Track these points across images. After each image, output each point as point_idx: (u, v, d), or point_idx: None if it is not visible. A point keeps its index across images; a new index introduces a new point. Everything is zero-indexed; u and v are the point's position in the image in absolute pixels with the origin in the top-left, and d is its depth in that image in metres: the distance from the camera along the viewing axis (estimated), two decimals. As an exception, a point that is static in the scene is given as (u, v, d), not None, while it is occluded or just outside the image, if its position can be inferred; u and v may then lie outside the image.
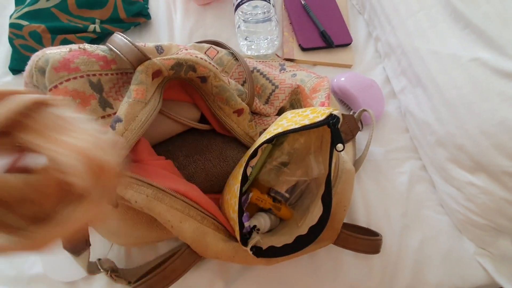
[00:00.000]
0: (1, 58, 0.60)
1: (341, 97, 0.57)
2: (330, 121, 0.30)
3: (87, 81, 0.30)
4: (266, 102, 0.50)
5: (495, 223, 0.44)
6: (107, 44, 0.32)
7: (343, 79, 0.57)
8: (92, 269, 0.39)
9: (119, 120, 0.29)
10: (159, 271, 0.30)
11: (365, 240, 0.36)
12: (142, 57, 0.31)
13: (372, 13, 0.64)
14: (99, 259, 0.41)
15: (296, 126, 0.30)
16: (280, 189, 0.39)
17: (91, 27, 0.56)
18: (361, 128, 0.50)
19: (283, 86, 0.49)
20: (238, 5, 0.59)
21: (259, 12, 0.60)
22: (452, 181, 0.47)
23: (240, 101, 0.42)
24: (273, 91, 0.49)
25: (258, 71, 0.50)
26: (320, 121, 0.30)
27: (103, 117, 0.30)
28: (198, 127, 0.44)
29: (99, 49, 0.32)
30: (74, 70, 0.29)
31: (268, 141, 0.32)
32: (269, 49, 0.63)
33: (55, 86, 0.28)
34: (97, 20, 0.57)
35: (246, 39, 0.61)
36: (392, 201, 0.49)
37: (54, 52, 0.29)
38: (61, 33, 0.55)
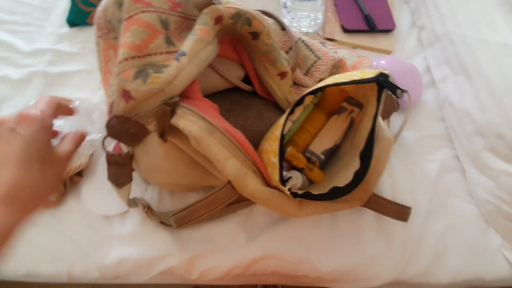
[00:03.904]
0: (60, 11, 0.65)
1: (379, 80, 0.57)
2: (380, 78, 0.31)
3: (158, 17, 0.32)
4: (306, 73, 0.51)
5: (528, 216, 0.43)
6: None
7: (383, 62, 0.57)
8: (131, 203, 0.42)
9: (183, 54, 0.31)
10: (202, 199, 0.32)
11: (395, 205, 0.36)
12: (208, 1, 0.33)
13: (420, 1, 0.63)
14: (135, 197, 0.44)
15: (346, 80, 0.32)
16: (316, 150, 0.40)
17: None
18: (397, 108, 0.51)
19: (326, 58, 0.50)
20: (287, -19, 0.60)
21: (306, -10, 0.61)
22: (487, 171, 0.46)
23: (286, 64, 0.44)
24: (315, 62, 0.50)
25: (302, 41, 0.51)
26: (370, 78, 0.31)
27: (166, 52, 0.33)
28: (241, 86, 0.46)
29: (168, -8, 0.34)
30: (148, 4, 0.31)
31: (317, 90, 0.33)
32: (310, 28, 0.64)
33: (130, 16, 0.31)
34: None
35: (289, 13, 0.62)
36: (420, 185, 0.49)
37: (132, -13, 0.31)
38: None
